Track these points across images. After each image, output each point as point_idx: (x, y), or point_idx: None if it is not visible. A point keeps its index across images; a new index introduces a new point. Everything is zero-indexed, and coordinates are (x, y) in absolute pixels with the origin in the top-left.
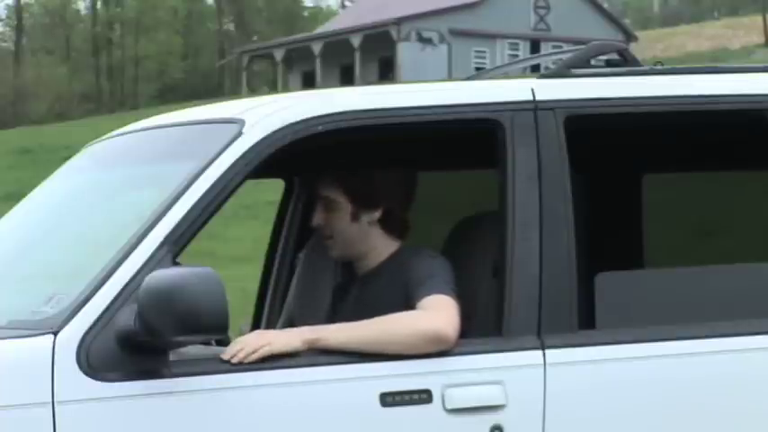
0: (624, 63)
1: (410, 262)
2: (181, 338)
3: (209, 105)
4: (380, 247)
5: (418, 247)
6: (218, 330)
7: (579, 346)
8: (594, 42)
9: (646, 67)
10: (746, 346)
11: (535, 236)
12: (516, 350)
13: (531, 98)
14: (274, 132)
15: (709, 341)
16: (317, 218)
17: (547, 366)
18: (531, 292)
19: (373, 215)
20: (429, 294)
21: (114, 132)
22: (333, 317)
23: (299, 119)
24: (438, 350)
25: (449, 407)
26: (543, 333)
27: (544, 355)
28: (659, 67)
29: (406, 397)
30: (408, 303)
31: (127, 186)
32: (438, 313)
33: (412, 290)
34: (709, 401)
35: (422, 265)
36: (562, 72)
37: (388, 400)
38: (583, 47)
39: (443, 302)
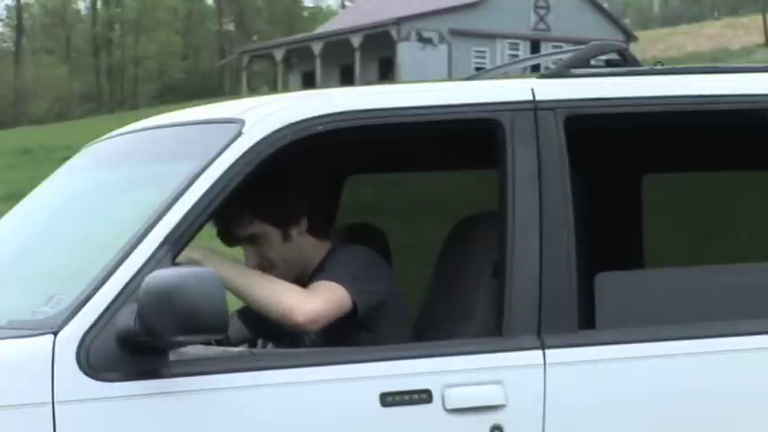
0: (624, 63)
1: (330, 257)
2: (180, 338)
3: (209, 105)
4: (314, 253)
5: (348, 245)
6: (218, 330)
7: (579, 346)
8: (594, 42)
9: (645, 67)
10: (746, 346)
11: (535, 236)
12: (516, 350)
13: (530, 98)
14: (274, 132)
15: (708, 341)
16: (251, 260)
17: (547, 366)
18: (530, 292)
19: (301, 226)
20: (321, 279)
21: (114, 132)
22: None
23: (299, 119)
24: (286, 325)
25: (449, 407)
26: (543, 333)
27: (544, 355)
28: (659, 67)
29: (406, 397)
30: None
31: (127, 186)
32: (308, 296)
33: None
34: (709, 401)
35: (335, 257)
36: (562, 72)
37: (388, 399)
38: (583, 47)
39: (324, 287)
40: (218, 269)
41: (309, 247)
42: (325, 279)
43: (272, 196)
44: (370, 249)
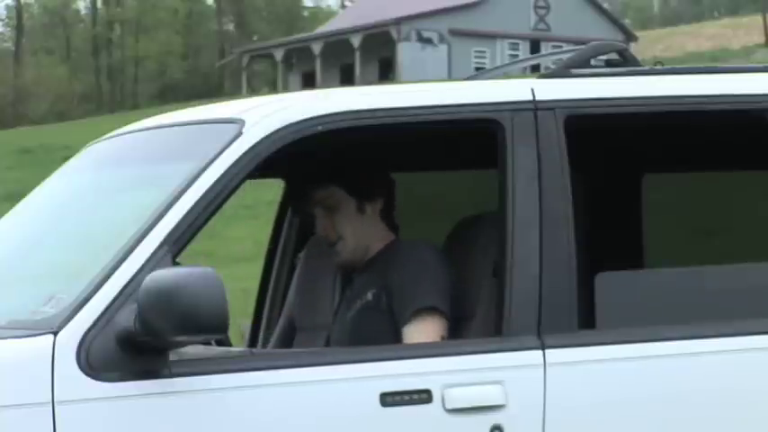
0: (624, 63)
1: (402, 255)
2: (180, 339)
3: (209, 105)
4: (377, 240)
5: (413, 241)
6: (218, 330)
7: (579, 346)
8: (594, 42)
9: (645, 68)
10: (746, 346)
11: (535, 236)
12: (516, 350)
13: (530, 98)
14: (274, 132)
15: (708, 341)
16: (322, 224)
17: (547, 366)
18: (531, 292)
19: (376, 205)
20: (416, 315)
21: (114, 132)
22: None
23: (299, 119)
24: None
25: (449, 407)
26: (543, 333)
27: (544, 355)
28: (659, 67)
29: (406, 397)
30: (391, 300)
31: (127, 186)
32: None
33: (399, 293)
34: (709, 402)
35: (411, 264)
36: (562, 72)
37: (388, 399)
38: (583, 47)
39: (425, 329)
40: None
41: (377, 231)
42: (419, 313)
43: (356, 167)
44: (429, 243)
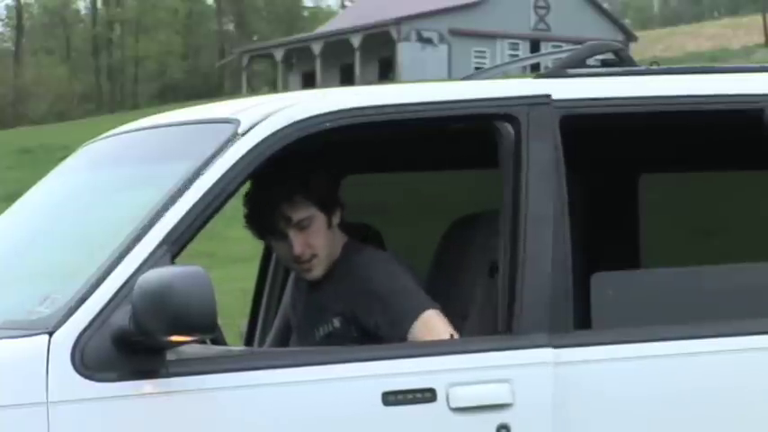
0: (620, 63)
1: (361, 271)
2: (173, 338)
3: (206, 105)
4: (339, 246)
5: (362, 249)
6: (206, 330)
7: (588, 345)
8: (591, 42)
9: (642, 67)
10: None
11: (546, 233)
12: (525, 348)
13: None
14: (273, 133)
15: (708, 341)
16: (300, 245)
17: (555, 365)
18: (541, 290)
19: (338, 216)
20: (414, 319)
21: (110, 132)
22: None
23: (297, 119)
24: None
25: (454, 405)
26: (553, 331)
27: (553, 353)
28: (655, 66)
29: (409, 396)
30: (368, 326)
31: (123, 186)
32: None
33: (383, 318)
34: (715, 402)
35: (378, 278)
36: (558, 72)
37: (391, 399)
38: (579, 47)
39: (430, 326)
40: None
41: (338, 240)
42: (417, 315)
43: (322, 181)
44: (381, 253)
